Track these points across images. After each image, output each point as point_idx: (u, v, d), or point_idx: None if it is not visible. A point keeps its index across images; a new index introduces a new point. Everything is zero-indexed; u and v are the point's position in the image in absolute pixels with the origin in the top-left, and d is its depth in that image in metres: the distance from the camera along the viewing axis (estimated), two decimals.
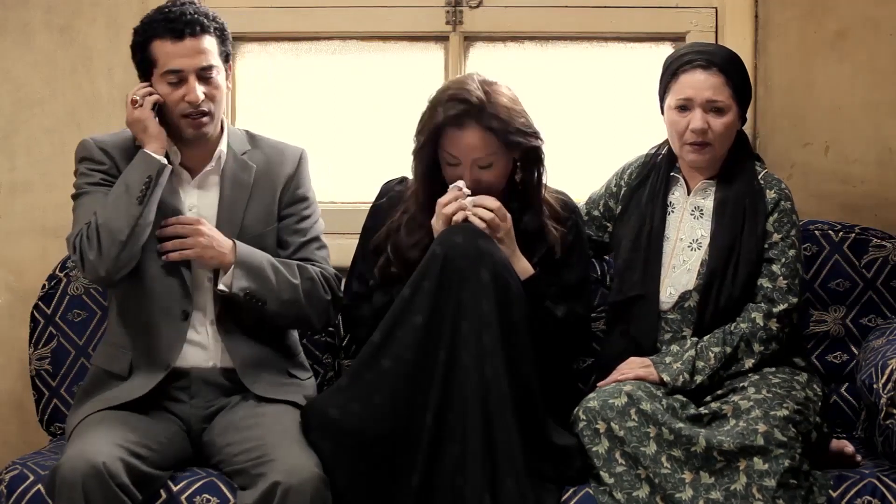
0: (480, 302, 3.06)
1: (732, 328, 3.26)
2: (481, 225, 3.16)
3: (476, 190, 3.23)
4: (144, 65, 3.24)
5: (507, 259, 3.15)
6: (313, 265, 3.35)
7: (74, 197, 3.28)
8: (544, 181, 3.32)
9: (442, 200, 3.20)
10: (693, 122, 3.29)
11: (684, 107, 3.31)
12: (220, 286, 3.24)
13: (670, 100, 3.34)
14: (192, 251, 3.23)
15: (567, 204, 3.39)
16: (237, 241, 3.26)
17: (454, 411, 3.04)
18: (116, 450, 3.01)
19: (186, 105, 3.22)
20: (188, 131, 3.25)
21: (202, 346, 3.29)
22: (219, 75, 3.25)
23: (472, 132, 3.21)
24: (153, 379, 3.24)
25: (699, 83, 3.30)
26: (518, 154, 3.28)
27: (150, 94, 3.22)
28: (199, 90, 3.21)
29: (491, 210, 3.18)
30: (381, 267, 3.31)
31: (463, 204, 3.18)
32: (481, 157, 3.23)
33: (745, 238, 3.28)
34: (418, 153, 3.28)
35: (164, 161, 3.20)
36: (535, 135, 3.27)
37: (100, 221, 3.16)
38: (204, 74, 3.22)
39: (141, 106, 3.21)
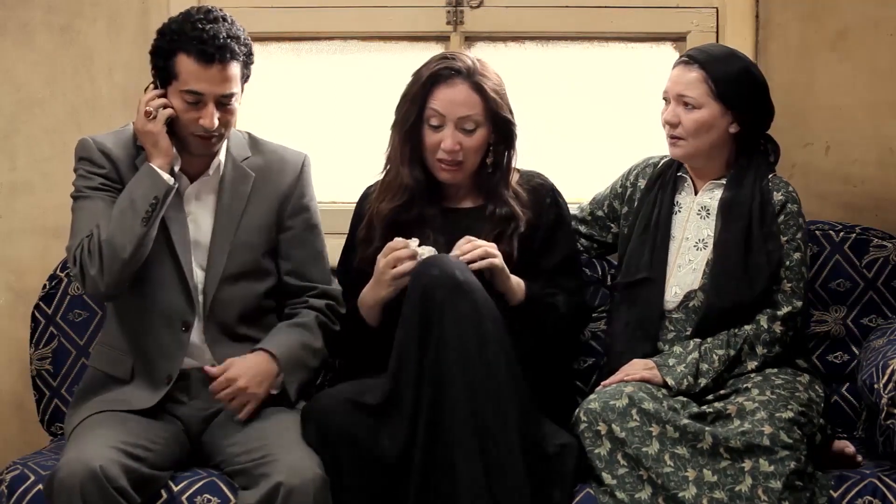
0: (461, 335, 3.03)
1: (737, 330, 3.26)
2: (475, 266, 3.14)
3: (454, 155, 3.24)
4: (163, 72, 3.18)
5: (485, 290, 3.11)
6: (319, 297, 3.33)
7: (74, 198, 3.26)
8: (514, 166, 3.34)
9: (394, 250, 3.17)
10: (664, 113, 3.34)
11: (665, 100, 3.35)
12: (273, 391, 3.23)
13: None
14: (250, 407, 3.18)
15: (543, 185, 3.39)
16: (273, 353, 3.19)
17: (442, 445, 3.02)
18: (114, 453, 3.00)
19: (199, 127, 3.18)
20: (196, 149, 3.23)
21: (200, 349, 3.28)
22: (236, 101, 3.22)
23: (462, 88, 3.25)
24: (157, 392, 3.23)
25: (675, 77, 3.35)
26: (495, 131, 3.28)
27: (165, 106, 3.17)
28: (216, 117, 3.17)
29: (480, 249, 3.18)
30: (357, 263, 3.32)
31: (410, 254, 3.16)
32: (467, 118, 3.25)
33: (754, 244, 3.27)
34: (405, 112, 3.28)
35: (172, 181, 3.16)
36: (513, 115, 3.31)
37: (103, 237, 3.13)
38: (223, 101, 3.18)
39: (154, 118, 3.17)
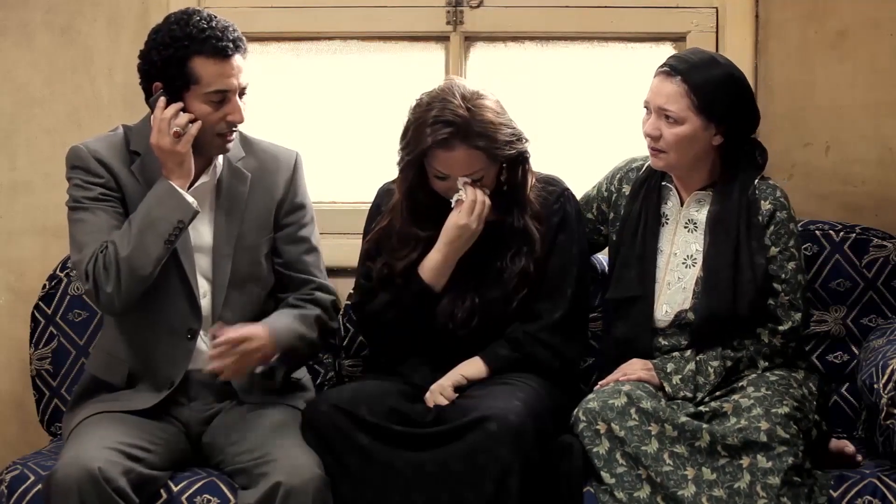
0: None
1: (736, 344, 3.24)
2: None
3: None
4: (179, 81, 3.13)
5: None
6: (322, 291, 3.32)
7: (71, 208, 3.20)
8: (529, 180, 3.30)
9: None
10: (645, 125, 3.28)
11: (647, 108, 3.29)
12: (259, 369, 3.21)
13: None
14: (237, 373, 3.16)
15: (553, 191, 3.33)
16: (272, 329, 3.16)
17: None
18: (112, 454, 2.99)
19: (225, 125, 3.16)
20: (217, 149, 3.21)
21: (201, 352, 3.25)
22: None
23: (461, 152, 3.18)
24: (157, 395, 3.22)
25: (656, 88, 3.27)
26: (504, 162, 3.25)
27: (192, 122, 3.12)
28: (243, 109, 3.17)
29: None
30: (378, 271, 3.30)
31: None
32: (471, 172, 3.21)
33: (742, 259, 3.23)
34: (404, 169, 3.25)
35: (196, 205, 3.13)
36: (520, 139, 3.24)
37: (121, 255, 3.09)
38: (243, 93, 3.18)
39: (182, 137, 3.11)
